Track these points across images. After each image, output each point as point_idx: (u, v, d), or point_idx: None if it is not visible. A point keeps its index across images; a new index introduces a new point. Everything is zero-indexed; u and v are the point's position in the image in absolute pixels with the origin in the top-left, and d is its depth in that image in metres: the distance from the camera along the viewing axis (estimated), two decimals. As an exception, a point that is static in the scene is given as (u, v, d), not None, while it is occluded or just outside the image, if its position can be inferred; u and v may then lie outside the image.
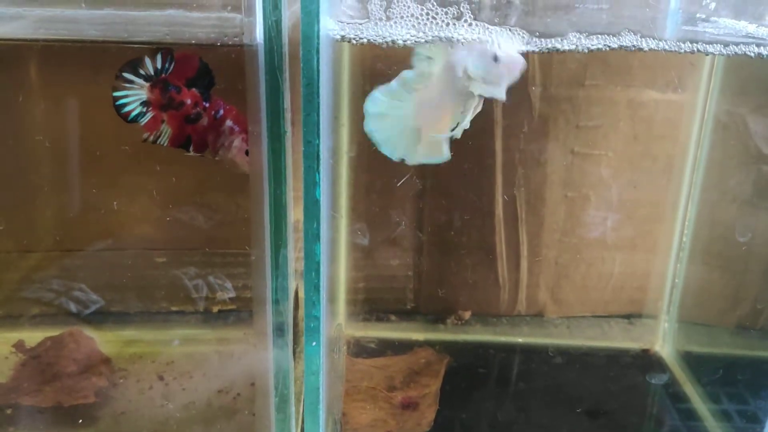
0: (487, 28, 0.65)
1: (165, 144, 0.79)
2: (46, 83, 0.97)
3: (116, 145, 0.95)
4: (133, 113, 0.76)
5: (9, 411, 0.94)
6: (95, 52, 0.88)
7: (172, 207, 1.04)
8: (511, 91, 1.03)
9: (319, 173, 0.67)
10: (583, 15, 0.86)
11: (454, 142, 0.73)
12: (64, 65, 0.94)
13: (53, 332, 1.03)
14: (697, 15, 0.92)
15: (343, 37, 0.65)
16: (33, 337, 1.03)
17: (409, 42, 0.65)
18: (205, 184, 1.02)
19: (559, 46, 0.66)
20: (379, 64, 0.79)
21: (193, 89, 0.77)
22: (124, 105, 0.75)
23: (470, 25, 0.65)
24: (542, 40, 0.67)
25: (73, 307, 1.07)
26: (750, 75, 0.98)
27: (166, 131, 0.78)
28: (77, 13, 0.75)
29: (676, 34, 0.78)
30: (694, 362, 1.07)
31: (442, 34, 0.65)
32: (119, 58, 0.74)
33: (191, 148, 0.80)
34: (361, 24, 0.65)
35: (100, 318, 1.09)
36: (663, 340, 1.13)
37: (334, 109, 0.69)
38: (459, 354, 1.09)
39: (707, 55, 0.71)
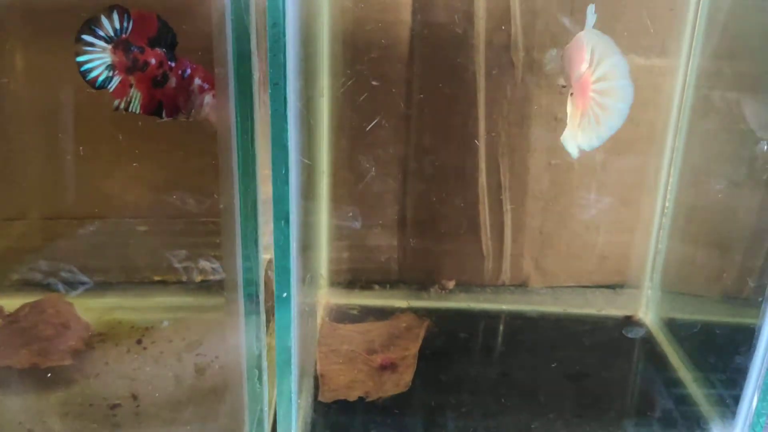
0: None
1: (137, 111, 0.76)
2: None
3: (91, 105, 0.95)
4: (100, 78, 0.73)
5: (-17, 373, 0.94)
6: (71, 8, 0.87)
7: (151, 174, 1.04)
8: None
9: (286, 117, 0.66)
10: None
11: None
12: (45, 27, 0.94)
13: (33, 299, 1.03)
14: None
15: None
16: (13, 303, 1.03)
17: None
18: (182, 149, 1.01)
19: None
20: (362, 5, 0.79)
21: (157, 49, 0.74)
22: (90, 70, 0.73)
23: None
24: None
25: (61, 288, 1.07)
26: (729, 40, 0.98)
27: (137, 96, 0.75)
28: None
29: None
30: (675, 327, 1.06)
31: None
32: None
33: (164, 114, 0.78)
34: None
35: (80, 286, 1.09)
36: (646, 308, 1.13)
37: (302, 51, 0.69)
38: (441, 320, 1.09)
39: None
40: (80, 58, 0.71)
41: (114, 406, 0.89)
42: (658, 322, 1.10)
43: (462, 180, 1.14)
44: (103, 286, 1.10)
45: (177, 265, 1.10)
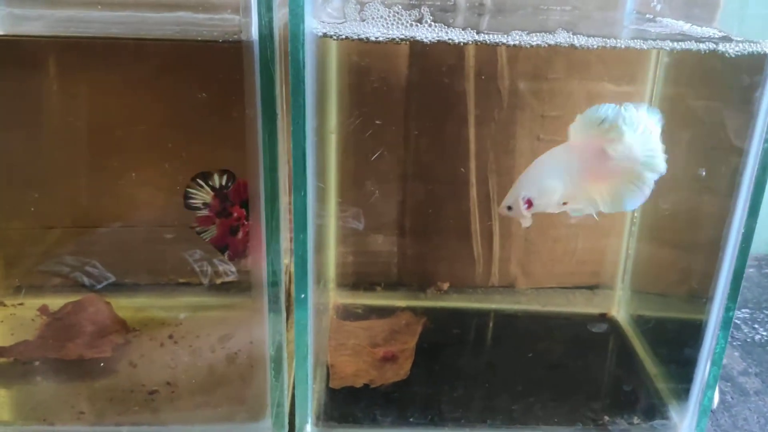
0: (444, 29, 0.78)
1: (206, 240, 0.99)
2: (65, 75, 1.08)
3: (128, 131, 1.07)
4: (195, 206, 0.98)
5: (36, 363, 1.06)
6: (108, 47, 1.00)
7: (180, 188, 1.16)
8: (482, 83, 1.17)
9: (305, 149, 0.79)
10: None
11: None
12: (83, 59, 1.06)
13: (73, 298, 1.15)
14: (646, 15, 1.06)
15: (325, 34, 0.78)
16: (55, 303, 1.14)
17: (380, 38, 0.78)
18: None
19: (504, 41, 0.79)
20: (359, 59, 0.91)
21: (243, 209, 0.97)
22: (191, 200, 0.98)
23: (430, 25, 0.78)
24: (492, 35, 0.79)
25: (86, 281, 1.19)
26: (687, 67, 1.10)
27: (213, 231, 0.98)
28: (101, 15, 0.88)
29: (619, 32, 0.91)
30: (641, 323, 1.19)
31: (407, 33, 0.78)
32: (131, 53, 0.86)
33: (227, 254, 1.01)
34: (339, 24, 0.78)
35: (114, 288, 1.20)
36: (619, 306, 1.26)
37: (318, 97, 0.82)
38: (437, 318, 1.22)
39: (628, 48, 0.84)
40: (189, 190, 0.97)
41: (152, 392, 1.02)
42: (628, 318, 1.23)
43: (455, 193, 1.26)
44: (132, 287, 1.23)
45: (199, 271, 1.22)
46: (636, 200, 0.86)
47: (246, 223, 0.98)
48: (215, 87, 0.87)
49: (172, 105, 1.03)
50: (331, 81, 1.04)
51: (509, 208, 0.88)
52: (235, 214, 0.97)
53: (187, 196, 0.97)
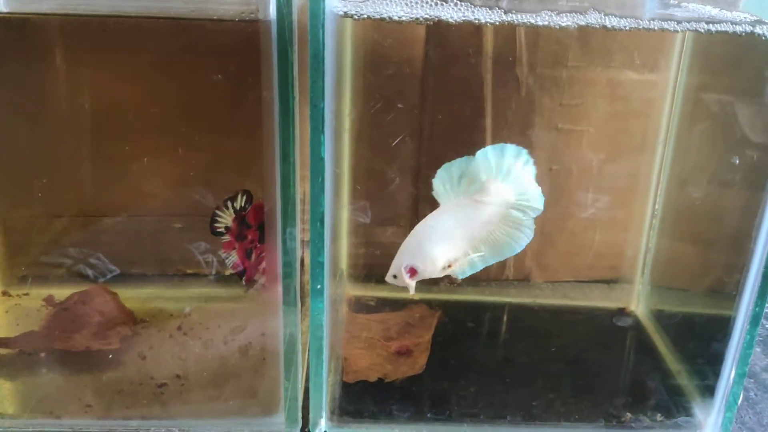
0: (471, 8, 0.75)
1: (229, 266, 1.00)
2: (74, 56, 1.05)
3: (139, 115, 1.04)
4: (218, 231, 0.98)
5: (42, 355, 1.04)
6: (119, 26, 0.97)
7: (188, 178, 1.13)
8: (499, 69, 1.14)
9: (323, 133, 0.76)
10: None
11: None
12: (92, 39, 1.03)
13: (79, 289, 1.13)
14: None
15: (345, 13, 0.75)
16: (61, 293, 1.12)
17: (403, 18, 0.75)
18: (220, 160, 1.11)
19: (532, 21, 0.76)
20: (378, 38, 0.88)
21: (258, 231, 0.98)
22: (217, 222, 0.98)
23: (456, 4, 0.75)
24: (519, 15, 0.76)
25: (90, 274, 1.17)
26: (714, 55, 1.07)
27: (234, 256, 0.99)
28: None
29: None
30: (662, 318, 1.17)
31: (432, 13, 0.75)
32: (144, 33, 0.83)
33: (244, 280, 1.00)
34: (361, 2, 0.75)
35: (121, 279, 1.18)
36: (638, 301, 1.23)
37: (337, 78, 0.79)
38: (451, 311, 1.19)
39: (662, 30, 0.81)
40: (217, 212, 0.98)
41: (161, 385, 1.00)
42: (648, 313, 1.20)
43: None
44: (139, 278, 1.21)
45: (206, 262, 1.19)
46: (520, 242, 0.88)
47: (259, 245, 0.97)
48: (230, 68, 0.84)
49: (185, 87, 1.00)
50: (345, 63, 1.01)
51: (394, 276, 0.88)
52: (250, 237, 0.98)
53: (213, 221, 0.97)
